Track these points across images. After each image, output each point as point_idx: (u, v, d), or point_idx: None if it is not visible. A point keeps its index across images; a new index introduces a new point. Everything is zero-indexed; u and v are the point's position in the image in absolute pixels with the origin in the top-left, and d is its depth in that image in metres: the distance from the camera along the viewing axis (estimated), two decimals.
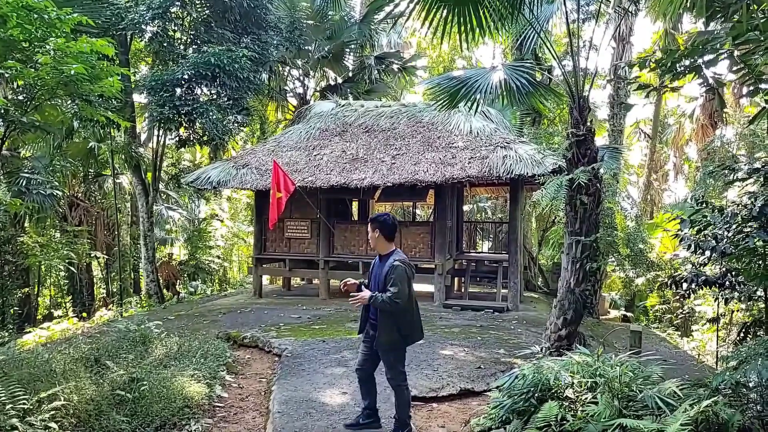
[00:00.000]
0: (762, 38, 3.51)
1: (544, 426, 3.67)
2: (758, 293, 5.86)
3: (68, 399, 4.11)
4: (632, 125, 26.13)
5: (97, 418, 4.06)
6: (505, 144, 10.27)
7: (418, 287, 12.33)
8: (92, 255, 16.73)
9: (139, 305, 14.51)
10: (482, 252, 13.24)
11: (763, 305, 7.37)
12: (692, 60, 4.20)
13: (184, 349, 6.19)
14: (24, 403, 3.88)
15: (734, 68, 3.93)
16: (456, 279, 12.51)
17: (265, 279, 14.97)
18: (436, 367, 5.93)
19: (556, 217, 13.85)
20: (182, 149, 20.22)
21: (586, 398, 3.91)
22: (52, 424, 3.76)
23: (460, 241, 12.94)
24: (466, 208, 16.84)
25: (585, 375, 4.07)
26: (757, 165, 4.14)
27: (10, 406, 3.81)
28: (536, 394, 4.05)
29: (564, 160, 7.37)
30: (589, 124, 6.65)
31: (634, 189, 25.90)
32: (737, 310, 9.60)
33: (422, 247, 11.01)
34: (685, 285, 6.03)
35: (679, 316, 12.64)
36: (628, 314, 16.81)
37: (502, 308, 10.24)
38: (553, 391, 4.05)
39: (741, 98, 20.44)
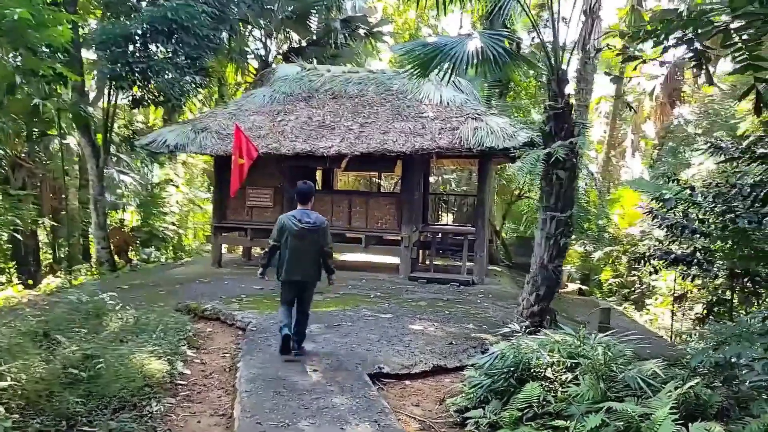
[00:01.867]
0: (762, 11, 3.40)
1: (525, 407, 3.59)
2: (721, 272, 5.98)
3: (16, 378, 3.75)
4: (595, 101, 26.46)
5: (48, 399, 3.71)
6: (477, 115, 10.09)
7: (383, 259, 12.24)
8: (39, 221, 15.68)
9: (89, 273, 13.83)
10: (447, 224, 13.18)
11: (720, 282, 7.59)
12: (684, 32, 4.08)
13: (142, 322, 5.84)
14: None
15: (727, 42, 3.80)
16: (420, 251, 12.43)
17: (224, 248, 14.51)
18: (407, 343, 5.81)
19: (521, 191, 13.90)
20: (135, 110, 19.16)
21: (566, 378, 3.85)
22: None
23: (425, 213, 12.81)
24: (431, 179, 16.70)
25: (564, 354, 4.01)
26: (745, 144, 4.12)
27: None
28: (515, 374, 3.97)
29: (539, 134, 7.28)
30: (566, 97, 6.54)
31: (593, 165, 26.41)
32: (693, 288, 9.92)
33: (389, 218, 10.82)
34: (654, 262, 6.08)
35: (637, 291, 13.05)
36: (584, 287, 17.29)
37: (468, 281, 10.23)
38: (532, 371, 3.98)
39: (698, 77, 20.91)
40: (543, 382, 3.87)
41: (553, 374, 4.00)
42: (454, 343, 5.91)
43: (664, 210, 5.78)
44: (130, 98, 12.27)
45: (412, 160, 10.58)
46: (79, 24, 13.00)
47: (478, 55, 6.64)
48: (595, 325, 6.19)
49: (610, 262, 17.40)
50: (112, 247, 15.05)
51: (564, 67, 6.50)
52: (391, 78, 11.63)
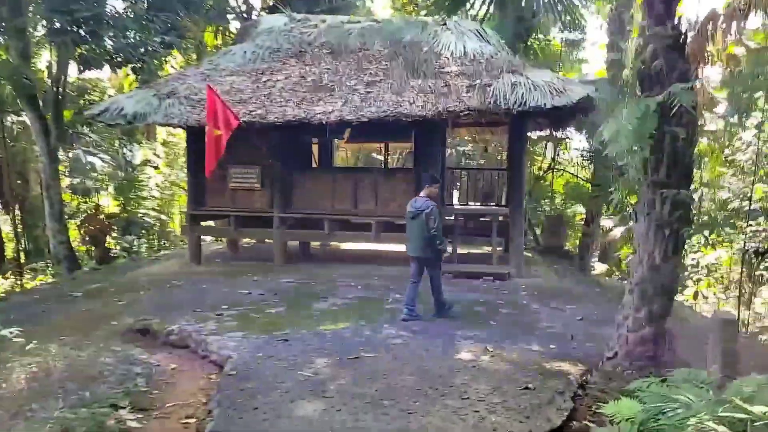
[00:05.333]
0: None
1: None
2: None
3: None
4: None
5: None
6: (513, 69, 8.05)
7: (396, 248, 10.24)
8: None
9: (46, 273, 11.77)
10: (470, 204, 11.16)
11: None
12: None
13: (59, 372, 3.86)
14: None
15: None
16: None
17: (208, 238, 12.51)
18: (463, 391, 3.85)
19: (551, 164, 11.88)
20: (107, 83, 16.96)
21: None
22: None
23: (443, 191, 10.80)
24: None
25: None
26: None
27: None
28: None
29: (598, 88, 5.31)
30: (677, 21, 4.52)
31: None
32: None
33: (404, 198, 8.77)
34: None
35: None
36: (602, 266, 15.47)
37: (503, 275, 8.31)
38: None
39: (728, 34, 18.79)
40: None
41: None
42: (531, 388, 3.97)
43: None
44: (79, 57, 9.98)
45: (430, 127, 8.56)
46: None
47: None
48: (717, 349, 4.17)
49: (630, 237, 15.57)
50: (71, 241, 12.92)
51: None
52: (401, 28, 9.46)
